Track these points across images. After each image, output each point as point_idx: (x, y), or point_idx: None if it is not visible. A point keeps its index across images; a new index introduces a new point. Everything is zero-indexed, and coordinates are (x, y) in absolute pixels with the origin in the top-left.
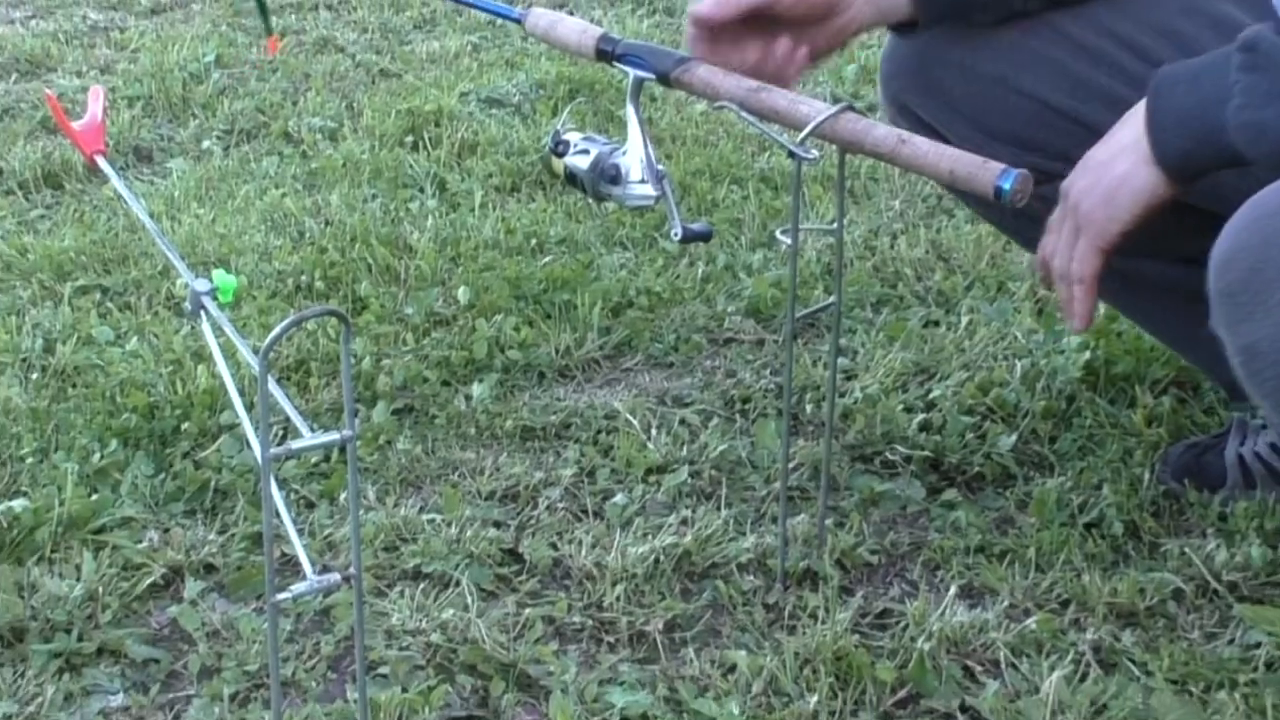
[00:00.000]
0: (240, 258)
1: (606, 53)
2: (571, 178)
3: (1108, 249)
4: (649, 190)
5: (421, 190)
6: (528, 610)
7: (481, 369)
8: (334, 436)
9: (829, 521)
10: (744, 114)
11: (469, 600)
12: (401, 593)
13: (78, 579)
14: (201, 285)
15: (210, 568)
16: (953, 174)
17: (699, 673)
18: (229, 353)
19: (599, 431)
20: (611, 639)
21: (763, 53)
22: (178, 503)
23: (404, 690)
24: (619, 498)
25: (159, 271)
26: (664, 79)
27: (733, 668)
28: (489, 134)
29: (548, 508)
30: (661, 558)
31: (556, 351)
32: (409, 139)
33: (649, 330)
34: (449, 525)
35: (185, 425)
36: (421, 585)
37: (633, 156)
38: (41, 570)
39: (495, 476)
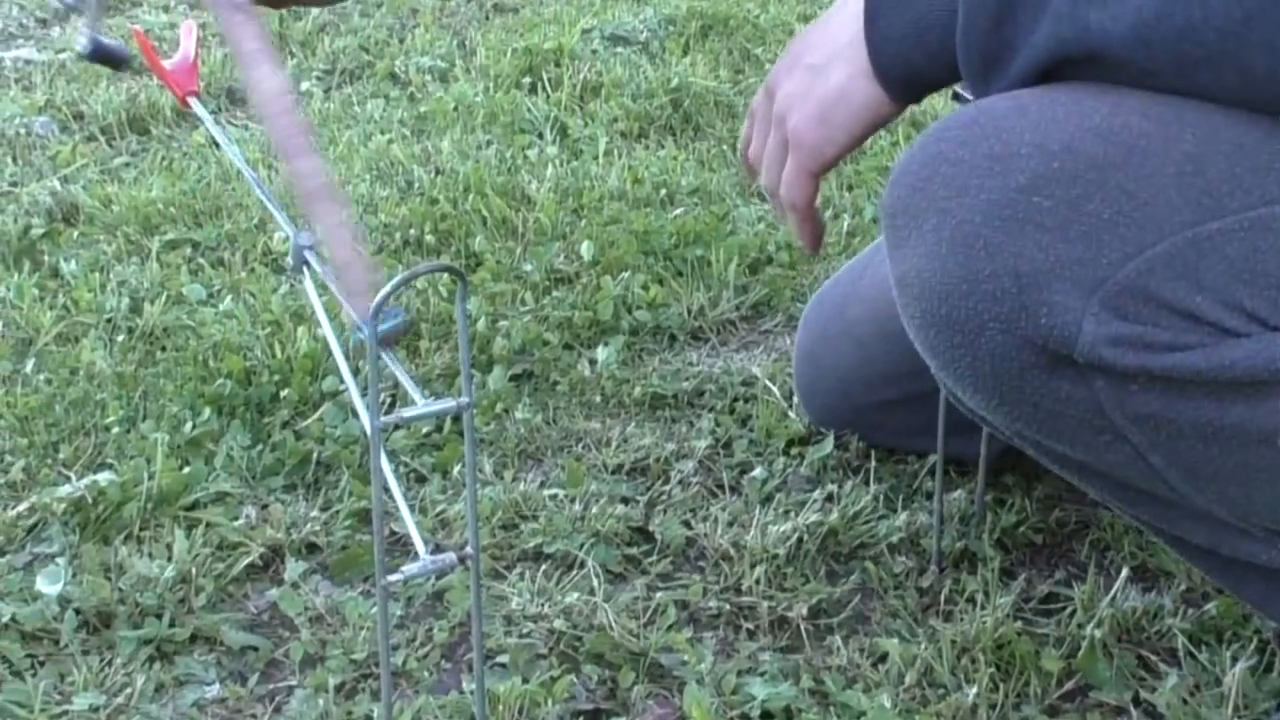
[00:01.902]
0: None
1: None
2: None
3: (820, 173)
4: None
5: (540, 136)
6: (659, 594)
7: (607, 331)
8: (448, 404)
9: (989, 498)
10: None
11: (595, 583)
12: (521, 575)
13: (169, 559)
14: (304, 239)
15: (313, 547)
16: (345, 268)
17: (846, 662)
18: (333, 313)
19: (735, 399)
20: (750, 625)
21: None
22: (277, 476)
23: (524, 681)
24: (758, 471)
25: (255, 224)
26: None
27: (883, 657)
28: (614, 74)
29: (680, 482)
30: (805, 537)
31: (689, 312)
32: (526, 80)
33: (790, 289)
34: (572, 501)
35: (285, 392)
36: (543, 567)
37: None
38: (129, 550)
39: (622, 448)
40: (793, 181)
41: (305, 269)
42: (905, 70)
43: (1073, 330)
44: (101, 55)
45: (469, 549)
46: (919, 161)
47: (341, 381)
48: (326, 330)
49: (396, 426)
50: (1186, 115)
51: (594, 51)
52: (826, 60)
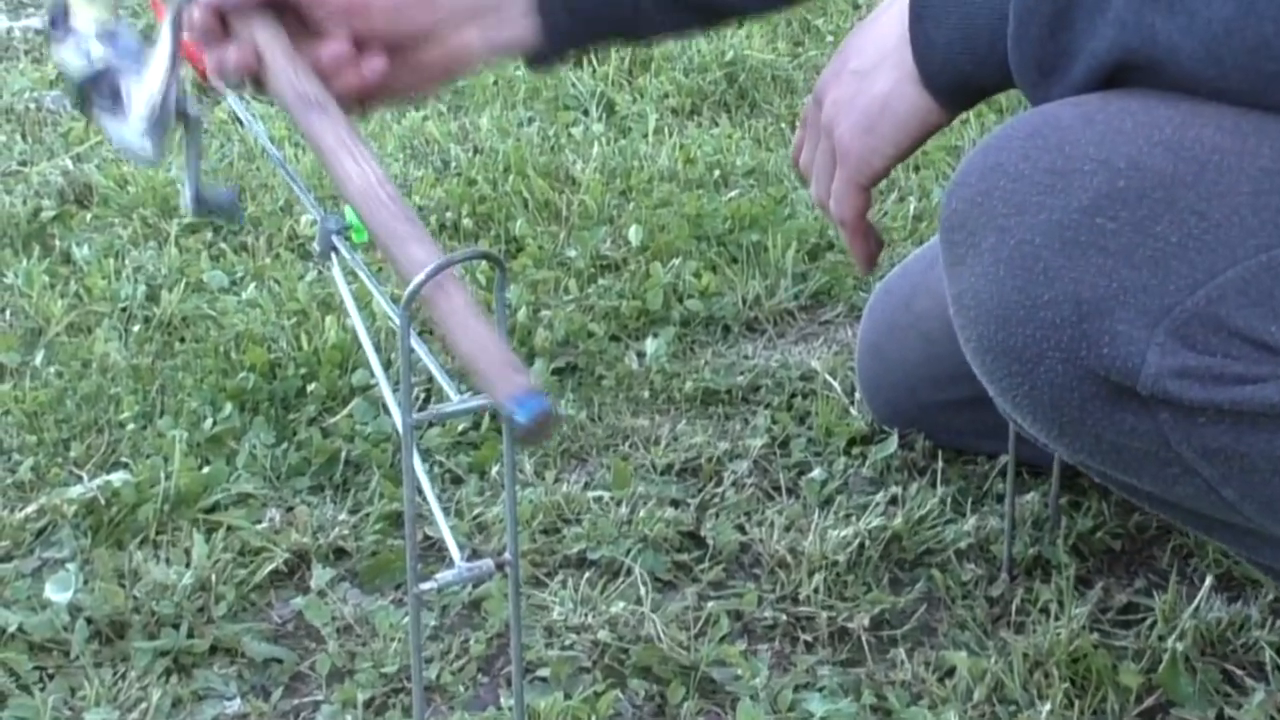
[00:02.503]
0: None
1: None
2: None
3: (869, 185)
4: (145, 147)
5: (585, 113)
6: (711, 603)
7: (656, 322)
8: (486, 400)
9: (1063, 501)
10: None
11: (642, 591)
12: (563, 583)
13: (187, 565)
14: (333, 222)
15: (341, 553)
16: (472, 357)
17: (911, 677)
18: (363, 302)
19: (793, 395)
20: (808, 637)
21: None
22: (303, 477)
23: (567, 696)
24: (817, 472)
25: (280, 207)
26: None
27: (950, 671)
28: (664, 48)
29: (734, 484)
30: (867, 543)
31: (743, 301)
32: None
33: (852, 277)
34: (619, 504)
35: (312, 386)
36: (587, 574)
37: (146, 90)
38: (145, 555)
39: (672, 447)
40: (841, 195)
41: (334, 255)
42: (953, 76)
43: (1136, 361)
44: (208, 208)
45: (508, 555)
46: (977, 173)
47: (372, 375)
48: (356, 320)
49: (431, 424)
50: (1265, 128)
51: None
52: (873, 65)
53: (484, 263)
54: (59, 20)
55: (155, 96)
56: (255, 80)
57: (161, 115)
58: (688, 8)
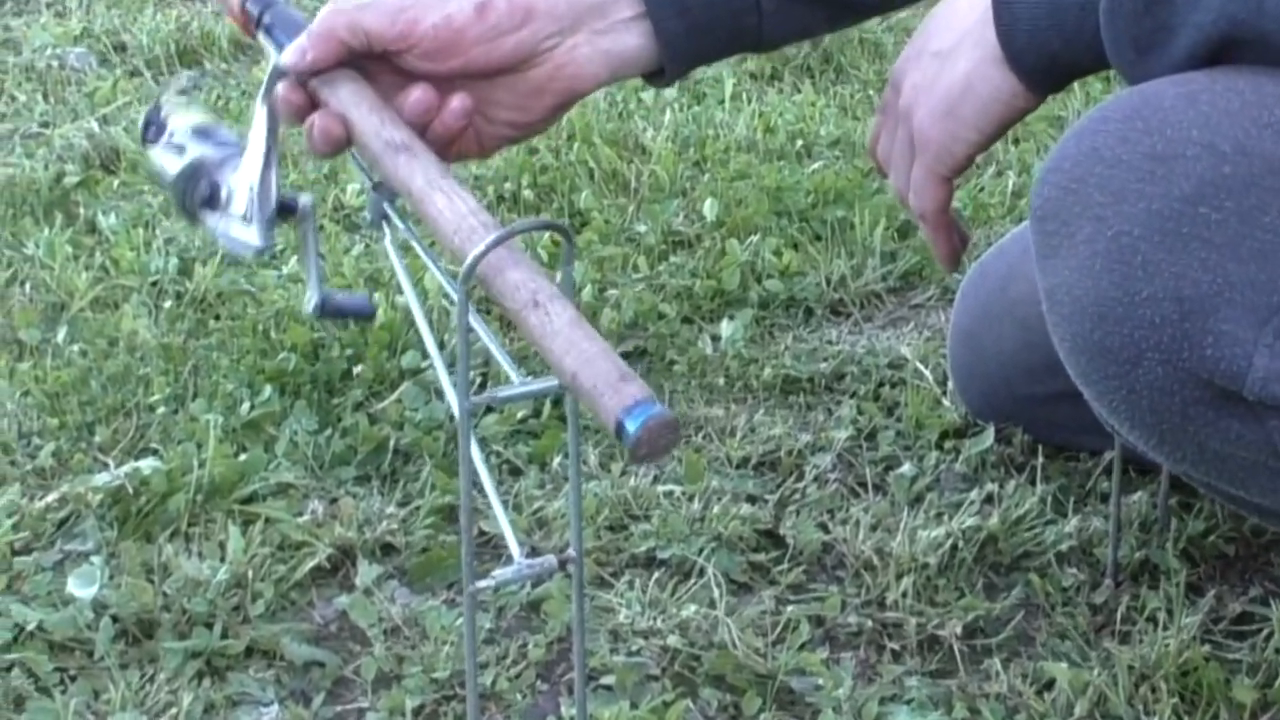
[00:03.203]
0: None
1: (252, 15)
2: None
3: (951, 176)
4: (252, 237)
5: None
6: (790, 608)
7: (732, 303)
8: (549, 384)
9: (1173, 502)
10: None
11: (716, 594)
12: (630, 584)
13: (221, 560)
14: (386, 191)
15: (389, 549)
16: (575, 379)
17: (1007, 689)
18: (416, 276)
19: (881, 384)
20: (896, 645)
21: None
22: (347, 466)
23: (633, 706)
24: (906, 468)
25: (324, 174)
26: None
27: (1049, 684)
28: None
29: (815, 479)
30: (960, 544)
31: (827, 282)
32: None
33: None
34: (691, 499)
35: (358, 369)
36: (655, 575)
37: (245, 177)
38: (176, 548)
39: (749, 439)
40: (921, 186)
41: (385, 225)
42: (1040, 56)
43: (1242, 364)
44: (335, 312)
45: (571, 551)
46: (1072, 158)
47: (424, 357)
48: (410, 295)
49: (489, 409)
50: None
51: None
52: (953, 45)
53: (548, 235)
54: (152, 123)
55: (255, 184)
56: (347, 142)
57: (263, 203)
58: (815, 4)
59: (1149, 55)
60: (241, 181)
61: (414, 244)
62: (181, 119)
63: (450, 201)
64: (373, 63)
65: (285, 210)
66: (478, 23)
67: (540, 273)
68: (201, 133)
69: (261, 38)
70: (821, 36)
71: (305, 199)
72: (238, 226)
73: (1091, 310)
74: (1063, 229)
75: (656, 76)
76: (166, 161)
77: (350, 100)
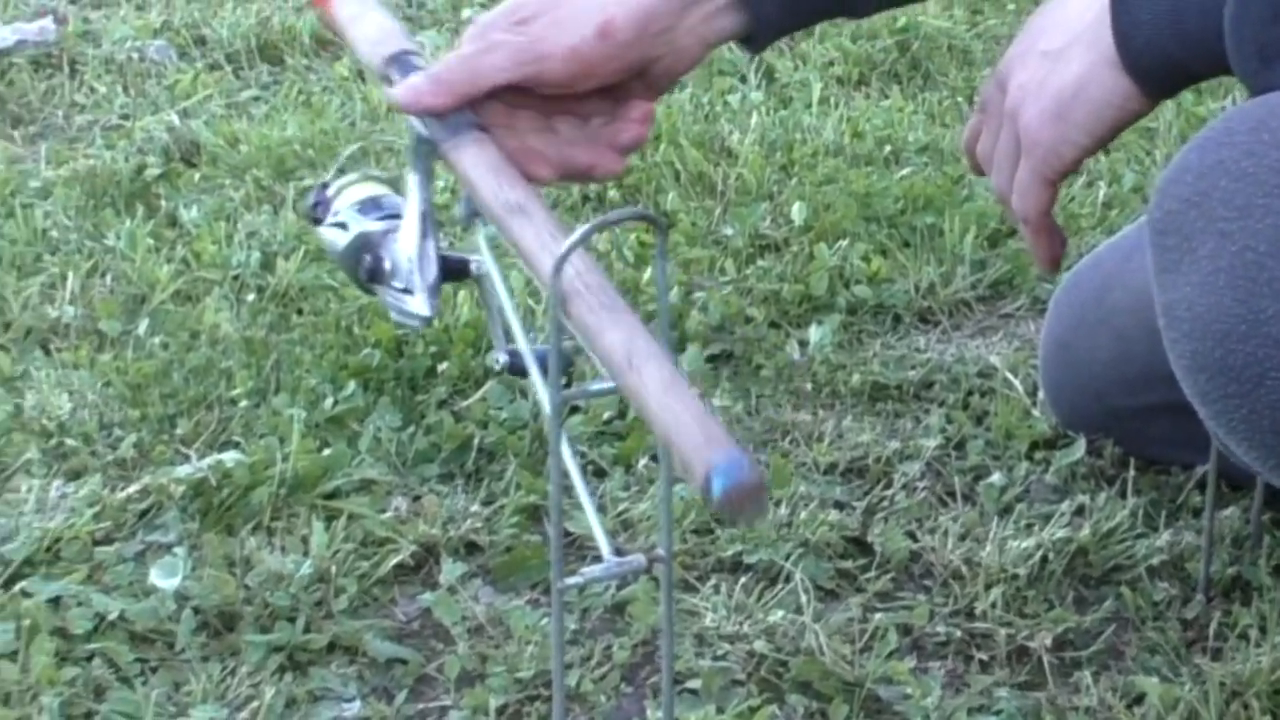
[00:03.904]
0: None
1: (392, 81)
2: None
3: (1057, 179)
4: (419, 307)
5: (744, 80)
6: (877, 615)
7: (820, 308)
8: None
9: (1266, 517)
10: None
11: (803, 600)
12: (716, 588)
13: (305, 554)
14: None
15: (472, 547)
16: (667, 440)
17: (1097, 702)
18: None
19: (970, 393)
20: (984, 656)
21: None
22: (431, 464)
23: (719, 710)
24: (995, 477)
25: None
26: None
27: (1140, 698)
28: None
29: (904, 487)
30: (1050, 555)
31: (916, 289)
32: None
33: (1035, 265)
34: (778, 504)
35: (442, 366)
36: (742, 579)
37: (404, 249)
38: (259, 541)
39: (837, 445)
40: (1026, 188)
41: (478, 221)
42: (1158, 59)
43: None
44: (522, 369)
45: (660, 551)
46: (1195, 170)
47: (517, 350)
48: (501, 292)
49: (574, 409)
50: None
51: None
52: (1064, 45)
53: (634, 236)
54: (319, 203)
55: (412, 256)
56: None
57: (424, 273)
58: None
59: (1276, 65)
60: (402, 254)
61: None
62: (346, 195)
63: (540, 246)
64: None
65: (455, 274)
66: (602, 46)
67: (639, 329)
68: (365, 206)
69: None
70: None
71: (478, 260)
72: (406, 299)
73: (1214, 327)
74: (1184, 243)
75: (747, 42)
76: (333, 238)
77: (470, 162)
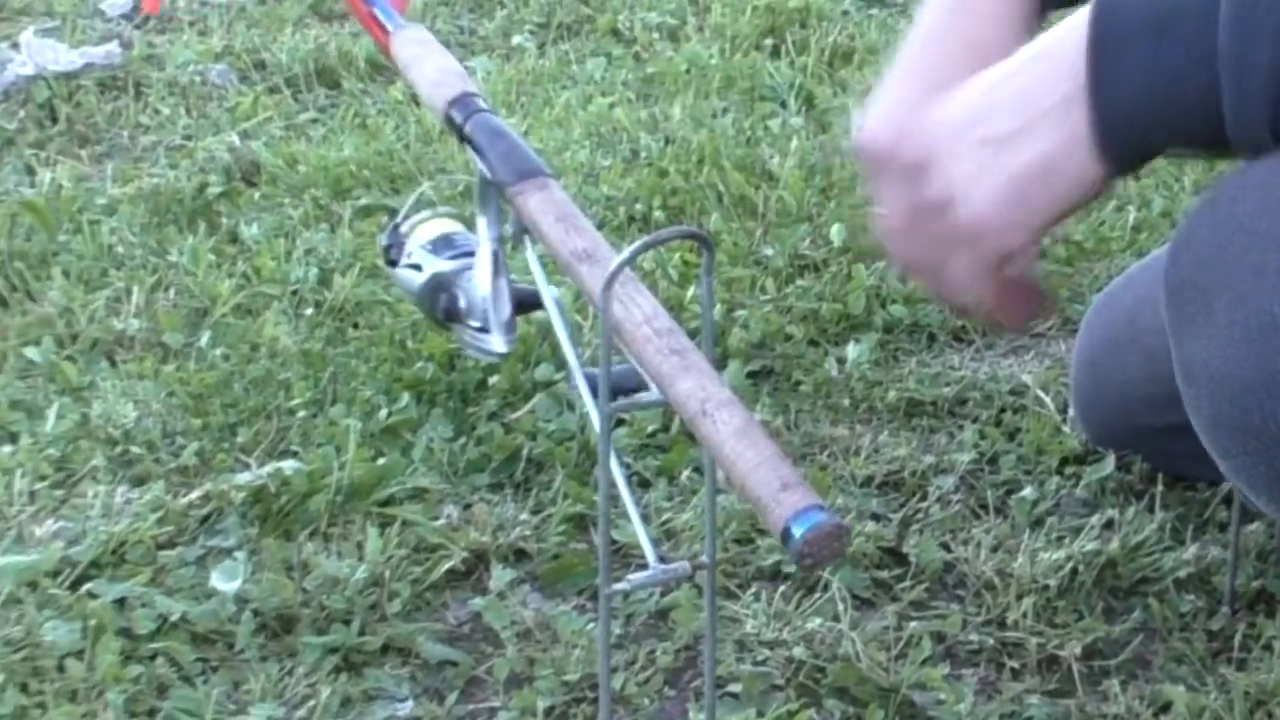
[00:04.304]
0: (560, 178)
1: (455, 124)
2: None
3: (1002, 264)
4: (497, 345)
5: (784, 104)
6: (912, 624)
7: (858, 327)
8: None
9: None
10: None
11: (840, 608)
12: (756, 595)
13: (360, 559)
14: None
15: (521, 554)
16: (744, 488)
17: (1124, 710)
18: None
19: (1002, 409)
20: (1016, 664)
21: None
22: (481, 473)
23: (759, 714)
24: (1027, 491)
25: (461, 191)
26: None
27: (1166, 706)
28: (868, 39)
29: (938, 500)
30: (1080, 567)
31: (950, 309)
32: (767, 42)
33: (1066, 287)
34: None
35: (493, 379)
36: (781, 588)
37: (480, 285)
38: (316, 546)
39: (873, 459)
40: (968, 281)
41: (527, 239)
42: (1139, 142)
43: None
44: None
45: (704, 558)
46: (1208, 228)
47: (557, 370)
48: (550, 306)
49: (620, 422)
50: None
51: (844, 13)
52: (1019, 128)
53: (677, 256)
54: (393, 245)
55: (487, 295)
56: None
57: (498, 310)
58: None
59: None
60: (477, 293)
61: (552, 257)
62: (418, 236)
63: (626, 310)
64: None
65: (526, 307)
66: None
67: (713, 376)
68: (437, 245)
69: (469, 147)
70: None
71: (551, 291)
72: (478, 337)
73: (1230, 386)
74: (1199, 298)
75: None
76: (409, 279)
77: (539, 210)
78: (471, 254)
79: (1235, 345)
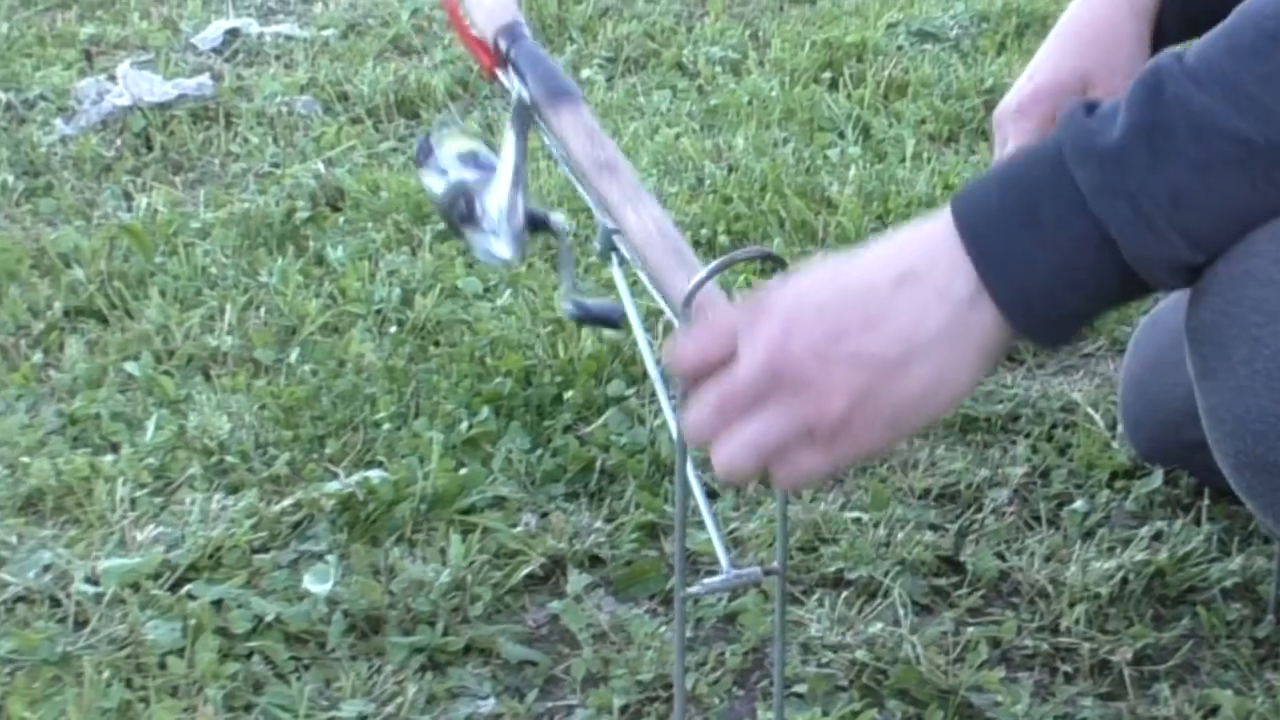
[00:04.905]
0: None
1: (500, 51)
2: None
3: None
4: (503, 250)
5: (842, 135)
6: (969, 629)
7: None
8: None
9: None
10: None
11: (900, 613)
12: (820, 600)
13: (443, 564)
14: (612, 223)
15: (596, 560)
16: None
17: (1174, 713)
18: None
19: (1054, 426)
20: (1069, 668)
21: None
22: (558, 483)
23: (824, 713)
24: (1078, 504)
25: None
26: (535, 108)
27: (1214, 710)
28: (921, 72)
29: (993, 511)
30: (1130, 576)
31: None
32: (826, 75)
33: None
34: (876, 525)
35: (568, 395)
36: (844, 593)
37: (496, 197)
38: (401, 552)
39: (931, 472)
40: (810, 474)
41: (614, 255)
42: (1056, 317)
43: None
44: (591, 319)
45: (775, 564)
46: (1225, 280)
47: (629, 385)
48: (635, 323)
49: None
50: None
51: (899, 47)
52: (900, 354)
53: (742, 278)
54: (423, 149)
55: (504, 204)
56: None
57: (511, 220)
58: None
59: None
60: (494, 201)
61: (643, 275)
62: (448, 146)
63: (638, 217)
64: None
65: (536, 225)
66: None
67: None
68: (464, 158)
69: (511, 73)
70: None
71: (557, 216)
72: (491, 241)
73: (1253, 428)
74: (1220, 350)
75: None
76: (433, 183)
77: (566, 124)
78: (492, 171)
79: (1255, 389)
